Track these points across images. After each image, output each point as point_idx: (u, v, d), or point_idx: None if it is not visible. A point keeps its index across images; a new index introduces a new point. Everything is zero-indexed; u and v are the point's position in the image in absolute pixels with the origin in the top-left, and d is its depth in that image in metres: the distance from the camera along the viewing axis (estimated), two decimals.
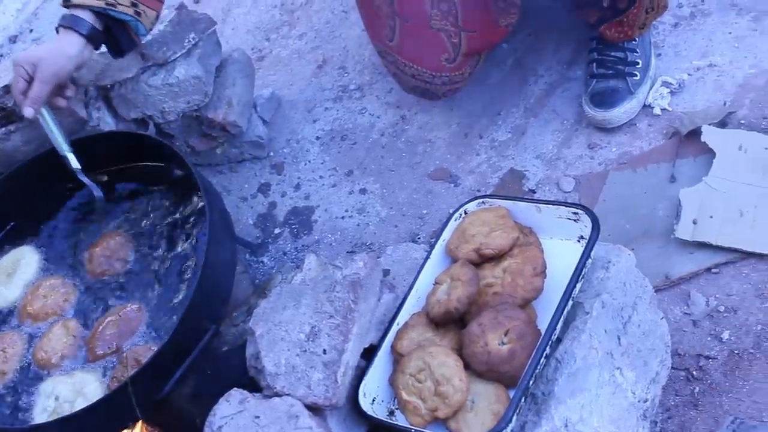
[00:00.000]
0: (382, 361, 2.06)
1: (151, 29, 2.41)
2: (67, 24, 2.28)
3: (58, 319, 2.25)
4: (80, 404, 2.04)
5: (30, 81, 2.28)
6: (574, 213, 2.13)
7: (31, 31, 2.98)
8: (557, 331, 1.95)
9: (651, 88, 2.76)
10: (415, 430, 1.93)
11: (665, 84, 2.76)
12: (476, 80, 2.88)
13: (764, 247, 2.34)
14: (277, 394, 1.90)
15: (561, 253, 2.13)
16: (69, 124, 2.57)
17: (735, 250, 2.37)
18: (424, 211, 2.77)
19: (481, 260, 2.13)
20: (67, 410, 2.06)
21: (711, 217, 2.40)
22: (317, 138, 3.09)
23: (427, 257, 2.20)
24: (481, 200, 2.26)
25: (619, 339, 2.00)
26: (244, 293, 2.56)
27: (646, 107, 2.75)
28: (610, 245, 2.14)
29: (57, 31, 2.31)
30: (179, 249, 2.31)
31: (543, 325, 1.97)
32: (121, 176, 2.51)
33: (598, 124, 2.74)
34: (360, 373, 2.02)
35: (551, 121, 2.85)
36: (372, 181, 2.91)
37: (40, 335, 2.24)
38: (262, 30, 3.56)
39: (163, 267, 2.29)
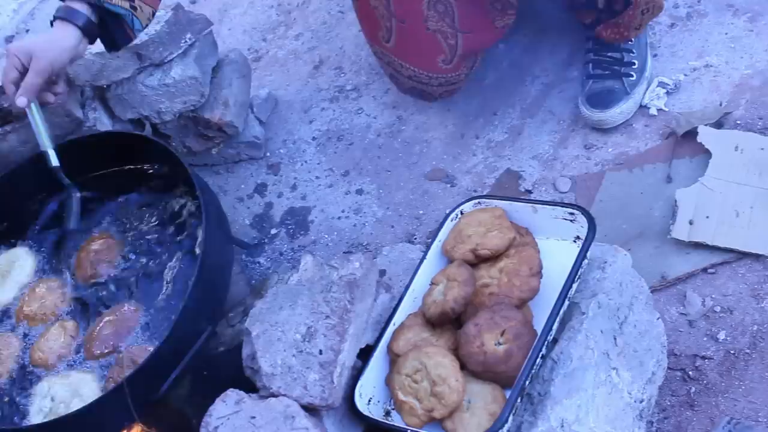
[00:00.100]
0: (378, 361, 2.06)
1: (146, 25, 2.39)
2: (63, 16, 2.25)
3: (55, 320, 2.25)
4: (76, 405, 2.03)
5: (23, 71, 2.25)
6: (571, 213, 2.13)
7: (27, 31, 2.98)
8: (553, 332, 1.95)
9: (647, 89, 2.76)
10: (411, 430, 1.92)
11: (661, 84, 2.76)
12: (472, 81, 2.88)
13: (760, 248, 2.34)
14: (274, 395, 1.90)
15: (557, 253, 2.13)
16: (65, 124, 2.57)
17: (731, 251, 2.37)
18: (421, 212, 2.77)
19: (478, 261, 2.13)
20: (63, 411, 2.05)
21: (707, 217, 2.40)
22: (314, 138, 3.09)
23: (424, 257, 2.20)
24: (477, 201, 2.26)
25: (615, 339, 2.00)
26: (241, 294, 2.56)
27: (643, 108, 2.75)
28: (606, 245, 2.15)
29: (52, 24, 2.29)
30: (175, 250, 2.31)
31: (539, 325, 1.96)
32: (118, 176, 2.51)
33: (594, 124, 2.75)
34: (356, 374, 2.02)
35: (548, 121, 2.86)
36: (368, 182, 2.91)
37: (37, 336, 2.24)
38: (258, 30, 3.56)
39: (158, 268, 2.28)
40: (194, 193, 2.23)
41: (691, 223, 2.41)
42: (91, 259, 2.34)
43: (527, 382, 1.88)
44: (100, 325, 2.19)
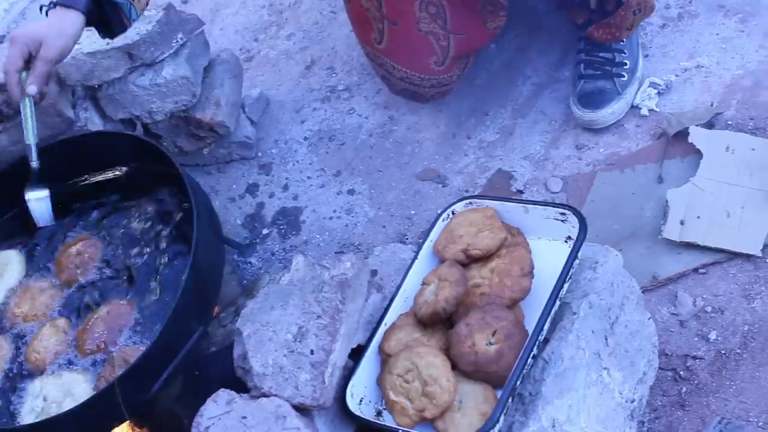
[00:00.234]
0: (369, 361, 2.06)
1: (140, 15, 2.36)
2: (65, 2, 2.19)
3: (46, 321, 2.25)
4: (68, 405, 2.03)
5: (28, 60, 2.20)
6: (562, 213, 2.13)
7: None
8: (545, 332, 1.96)
9: (639, 89, 2.77)
10: (402, 430, 1.92)
11: (653, 85, 2.77)
12: (464, 81, 2.89)
13: (751, 248, 2.35)
14: (265, 395, 1.90)
15: (548, 253, 2.13)
16: (56, 124, 2.57)
17: (722, 251, 2.38)
18: (412, 212, 2.77)
19: (469, 261, 2.13)
20: (55, 411, 2.05)
21: (698, 217, 2.41)
22: (305, 138, 3.09)
23: (415, 258, 2.20)
24: (468, 201, 2.26)
25: (606, 339, 2.00)
26: (232, 294, 2.55)
27: (634, 108, 2.76)
28: (597, 246, 2.15)
29: (46, 12, 2.23)
30: (166, 250, 2.30)
31: (530, 325, 1.97)
32: (110, 175, 2.50)
33: (585, 124, 2.75)
34: (348, 374, 2.02)
35: (539, 121, 2.86)
36: (360, 182, 2.91)
37: (29, 338, 2.23)
38: (250, 30, 3.56)
39: (150, 268, 2.28)
40: (186, 193, 2.22)
41: (682, 223, 2.41)
42: (75, 261, 2.33)
43: (518, 382, 1.88)
44: (92, 321, 2.18)
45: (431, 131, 2.96)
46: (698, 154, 2.53)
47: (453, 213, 2.26)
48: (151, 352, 1.98)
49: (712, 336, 2.27)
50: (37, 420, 2.06)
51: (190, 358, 2.09)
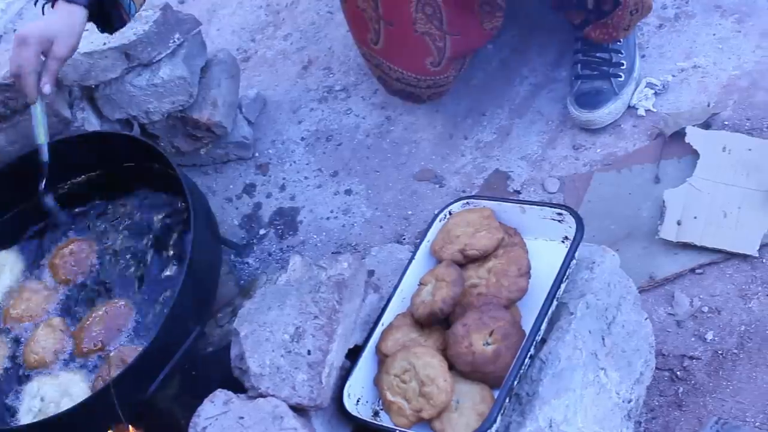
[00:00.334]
0: (366, 361, 2.06)
1: (138, 11, 2.35)
2: None
3: (41, 321, 2.25)
4: (66, 405, 2.04)
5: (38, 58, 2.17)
6: (559, 214, 2.13)
7: (15, 31, 2.96)
8: (542, 332, 1.96)
9: (635, 89, 2.77)
10: (399, 430, 1.92)
11: (650, 85, 2.77)
12: (461, 81, 2.89)
13: (747, 248, 2.35)
14: (262, 395, 1.90)
15: (545, 253, 2.13)
16: (53, 124, 2.56)
17: (719, 251, 2.38)
18: (410, 212, 2.77)
19: (466, 261, 2.13)
20: (52, 411, 2.05)
21: (695, 217, 2.41)
22: (302, 139, 3.09)
23: (412, 258, 2.20)
24: (465, 201, 2.26)
25: (603, 339, 2.00)
26: (229, 294, 2.55)
27: (631, 108, 2.76)
28: (594, 246, 2.15)
29: (43, 8, 2.22)
30: (163, 250, 2.30)
31: (527, 325, 1.97)
32: (106, 176, 2.50)
33: (582, 125, 2.75)
34: (345, 374, 2.02)
35: (536, 122, 2.86)
36: (357, 182, 2.91)
37: (26, 338, 2.23)
38: (247, 31, 3.56)
39: (146, 268, 2.28)
40: (183, 193, 2.22)
41: (679, 223, 2.41)
42: (68, 261, 2.34)
43: (515, 383, 1.88)
44: (90, 321, 2.19)
45: (428, 131, 2.96)
46: (695, 154, 2.54)
47: (450, 213, 2.26)
48: (148, 353, 1.98)
49: (709, 336, 2.28)
50: (35, 420, 2.06)
51: (188, 358, 2.09)
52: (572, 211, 2.12)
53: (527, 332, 1.94)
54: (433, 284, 2.07)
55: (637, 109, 2.74)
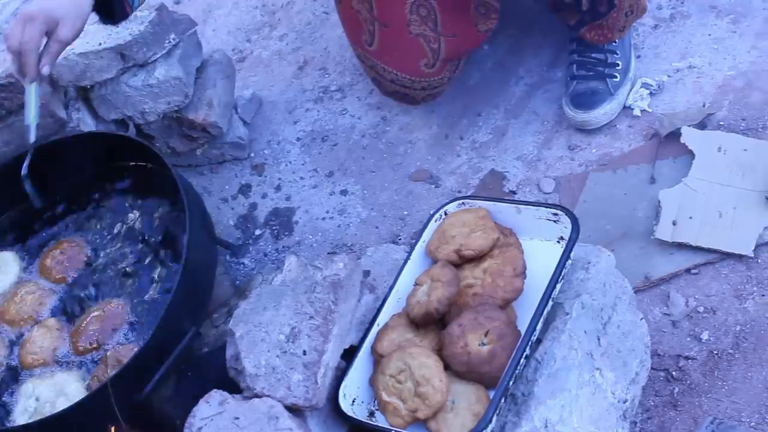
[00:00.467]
0: (362, 362, 2.06)
1: (141, 4, 2.35)
2: None
3: (35, 323, 2.24)
4: (62, 404, 2.03)
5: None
6: (554, 214, 2.13)
7: None
8: (537, 332, 1.96)
9: (631, 90, 2.77)
10: (395, 431, 1.92)
11: (645, 85, 2.77)
12: (457, 82, 2.88)
13: (743, 248, 2.35)
14: (257, 395, 1.90)
15: (541, 253, 2.13)
16: (48, 125, 2.56)
17: (714, 251, 2.38)
18: (405, 212, 2.77)
19: (462, 261, 2.13)
20: (48, 411, 2.05)
21: (690, 218, 2.41)
22: (298, 139, 3.08)
23: (408, 258, 2.20)
24: (461, 201, 2.26)
25: (598, 339, 2.00)
26: (225, 294, 2.55)
27: (626, 109, 2.76)
28: (589, 246, 2.15)
29: None
30: (159, 250, 2.30)
31: (523, 325, 1.97)
32: (102, 176, 2.50)
33: (578, 125, 2.75)
34: (340, 374, 2.02)
35: (532, 122, 2.86)
36: (353, 182, 2.91)
37: (22, 339, 2.23)
38: (242, 31, 3.56)
39: (142, 268, 2.28)
40: (178, 193, 2.22)
41: (674, 223, 2.42)
42: (60, 261, 2.34)
43: (511, 383, 1.88)
44: (87, 321, 2.18)
45: (424, 132, 2.96)
46: (690, 154, 2.54)
47: (446, 213, 2.26)
48: (144, 353, 1.98)
49: (705, 336, 2.28)
50: (30, 420, 2.06)
51: (183, 358, 2.09)
52: (568, 211, 2.12)
53: (523, 332, 1.94)
54: (429, 284, 2.07)
55: (632, 109, 2.75)
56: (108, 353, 2.11)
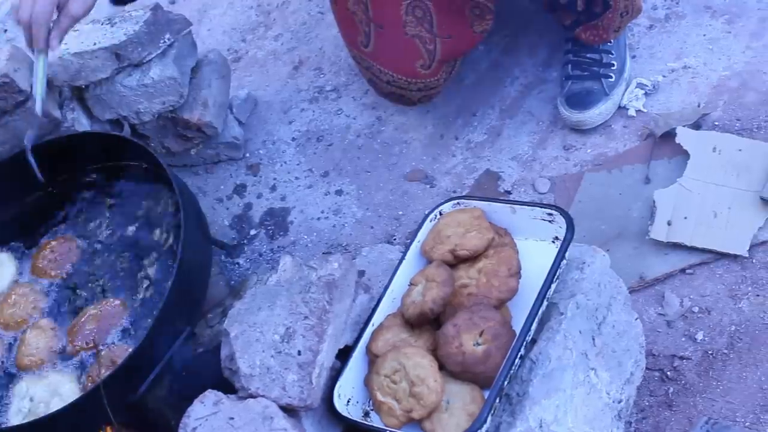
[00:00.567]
0: (357, 362, 2.06)
1: None
2: None
3: (29, 325, 2.24)
4: (56, 404, 2.03)
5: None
6: (549, 214, 2.14)
7: (5, 30, 2.96)
8: (532, 332, 1.96)
9: (626, 90, 2.77)
10: (389, 431, 1.92)
11: (640, 86, 2.77)
12: (452, 82, 2.88)
13: (737, 248, 2.35)
14: (252, 396, 1.90)
15: (536, 253, 2.13)
16: (43, 124, 2.55)
17: (709, 251, 2.38)
18: (400, 212, 2.77)
19: (456, 261, 2.13)
20: (42, 411, 2.05)
21: (685, 218, 2.41)
22: (293, 139, 3.08)
23: (403, 258, 2.20)
24: (456, 201, 2.26)
25: (593, 339, 2.00)
26: (220, 294, 2.55)
27: (621, 109, 2.76)
28: (584, 246, 2.15)
29: None
30: (153, 250, 2.30)
31: (518, 325, 1.97)
32: (96, 176, 2.50)
33: (573, 125, 2.75)
34: (335, 375, 2.02)
35: (527, 122, 2.86)
36: (348, 183, 2.90)
37: (17, 341, 2.23)
38: (238, 31, 3.56)
39: (137, 268, 2.28)
40: (173, 193, 2.22)
41: (669, 223, 2.42)
42: (52, 259, 2.34)
43: (506, 383, 1.88)
44: (83, 320, 2.18)
45: (419, 132, 2.96)
46: (685, 154, 2.54)
47: (440, 213, 2.26)
48: (138, 353, 1.98)
49: (699, 336, 2.28)
50: (24, 420, 2.06)
51: (178, 358, 2.09)
52: (562, 211, 2.12)
53: (517, 332, 1.94)
54: (424, 284, 2.07)
55: (627, 109, 2.75)
56: (102, 353, 2.11)
